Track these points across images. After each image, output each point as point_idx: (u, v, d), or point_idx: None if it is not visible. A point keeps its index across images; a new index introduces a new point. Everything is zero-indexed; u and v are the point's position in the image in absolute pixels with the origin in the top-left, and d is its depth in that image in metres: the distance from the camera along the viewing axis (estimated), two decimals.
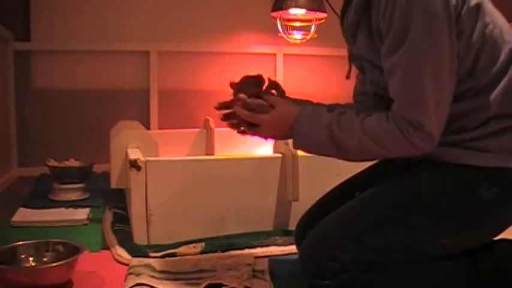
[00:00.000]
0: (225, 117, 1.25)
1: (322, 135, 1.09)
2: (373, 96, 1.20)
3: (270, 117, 1.14)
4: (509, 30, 1.09)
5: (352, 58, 1.22)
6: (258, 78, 1.19)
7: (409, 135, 1.01)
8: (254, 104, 1.15)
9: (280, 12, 2.61)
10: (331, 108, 1.19)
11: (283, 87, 1.23)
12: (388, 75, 1.04)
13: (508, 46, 1.06)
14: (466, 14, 1.01)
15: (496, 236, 1.15)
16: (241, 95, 1.16)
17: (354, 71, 1.26)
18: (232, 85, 1.21)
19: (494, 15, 1.07)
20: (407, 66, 1.00)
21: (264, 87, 1.21)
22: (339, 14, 1.23)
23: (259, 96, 1.17)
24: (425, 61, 0.99)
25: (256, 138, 1.23)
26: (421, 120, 0.99)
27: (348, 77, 1.22)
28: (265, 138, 1.20)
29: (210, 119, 2.65)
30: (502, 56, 1.05)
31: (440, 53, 0.99)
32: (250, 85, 1.18)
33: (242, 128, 1.22)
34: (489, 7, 1.06)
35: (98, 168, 2.47)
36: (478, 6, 1.03)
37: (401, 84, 1.02)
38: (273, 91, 1.24)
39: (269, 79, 1.21)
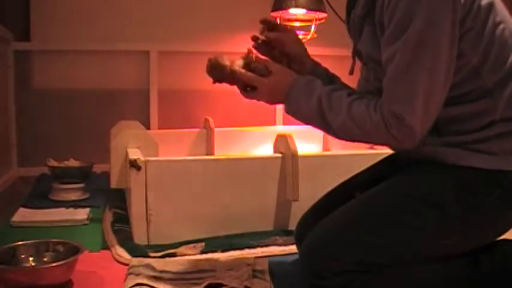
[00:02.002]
0: (215, 81, 1.26)
1: (312, 107, 1.10)
2: (377, 93, 1.20)
3: (268, 82, 1.16)
4: None
5: (357, 54, 1.22)
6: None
7: (391, 127, 1.01)
8: (257, 66, 1.18)
9: (280, 12, 2.61)
10: (331, 78, 1.24)
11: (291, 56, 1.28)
12: (385, 66, 1.03)
13: None
14: (476, 11, 1.00)
15: (497, 237, 1.15)
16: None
17: (357, 68, 1.26)
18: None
19: (505, 15, 1.06)
20: (403, 59, 0.99)
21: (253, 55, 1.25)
22: (346, 10, 1.24)
23: (247, 64, 1.20)
24: (422, 56, 0.98)
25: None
26: (404, 115, 0.99)
27: (351, 73, 1.22)
28: (258, 100, 1.22)
29: (210, 119, 2.65)
30: (511, 57, 1.04)
31: (439, 51, 0.98)
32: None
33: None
34: (500, 6, 1.05)
35: (98, 168, 2.47)
36: (491, 4, 1.02)
37: (393, 76, 1.01)
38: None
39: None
